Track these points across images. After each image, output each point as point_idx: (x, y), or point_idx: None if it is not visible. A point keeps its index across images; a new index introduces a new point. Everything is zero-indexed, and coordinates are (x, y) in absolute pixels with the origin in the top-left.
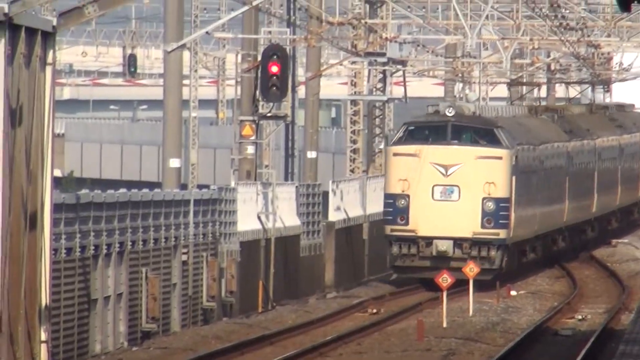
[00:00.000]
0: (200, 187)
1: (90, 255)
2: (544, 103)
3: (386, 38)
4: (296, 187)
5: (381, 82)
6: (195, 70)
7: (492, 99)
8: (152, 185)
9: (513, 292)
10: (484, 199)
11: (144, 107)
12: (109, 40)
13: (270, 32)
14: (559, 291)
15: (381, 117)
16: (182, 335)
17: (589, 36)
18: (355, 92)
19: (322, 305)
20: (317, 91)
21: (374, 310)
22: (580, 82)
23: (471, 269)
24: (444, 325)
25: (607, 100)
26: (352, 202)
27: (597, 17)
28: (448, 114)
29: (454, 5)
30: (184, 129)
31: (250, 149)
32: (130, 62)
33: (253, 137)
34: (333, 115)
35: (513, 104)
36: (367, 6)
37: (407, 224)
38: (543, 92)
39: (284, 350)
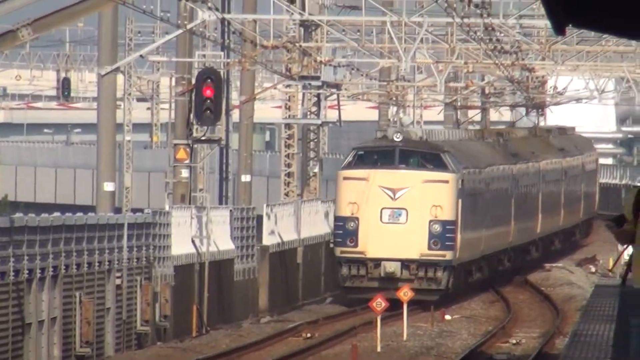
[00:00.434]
0: (134, 210)
1: (24, 279)
2: (477, 127)
3: (320, 61)
4: (230, 210)
5: (315, 105)
6: (129, 94)
7: (426, 122)
8: (86, 208)
9: (447, 317)
10: (430, 221)
11: (78, 130)
12: (43, 63)
13: (204, 56)
14: (493, 315)
15: (316, 140)
16: None
17: (523, 59)
18: (289, 116)
19: (256, 330)
20: (251, 114)
21: (308, 335)
22: (515, 106)
23: (405, 293)
24: (378, 349)
25: (542, 123)
26: (286, 226)
27: (531, 41)
28: (396, 139)
29: (389, 29)
30: (118, 153)
31: (185, 173)
32: (65, 86)
33: (187, 161)
34: (267, 138)
35: (459, 128)
36: (302, 30)
37: (356, 245)
38: (478, 116)
39: None
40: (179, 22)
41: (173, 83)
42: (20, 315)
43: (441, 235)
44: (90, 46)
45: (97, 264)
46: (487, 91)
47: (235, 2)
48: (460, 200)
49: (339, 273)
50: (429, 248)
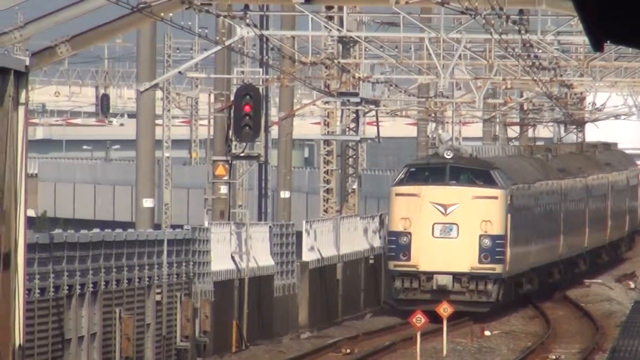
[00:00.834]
0: (173, 227)
1: (64, 295)
2: (516, 143)
3: (359, 78)
4: (270, 227)
5: (354, 121)
6: (168, 110)
7: (465, 138)
8: (125, 225)
9: (487, 332)
10: (480, 236)
11: (117, 147)
12: (81, 80)
13: (243, 72)
14: (532, 331)
15: (354, 157)
16: None
17: (561, 76)
18: (328, 132)
19: (295, 346)
20: (290, 131)
21: (348, 351)
22: (556, 122)
23: (445, 309)
24: None
25: (579, 140)
26: (325, 242)
27: (569, 57)
28: (447, 156)
29: (427, 45)
30: (157, 169)
31: (224, 189)
32: (103, 102)
33: (226, 177)
34: (306, 155)
35: (509, 144)
36: (340, 46)
37: (409, 259)
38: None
39: None
40: (218, 38)
41: (212, 99)
42: (60, 331)
43: (491, 249)
44: (128, 62)
45: (137, 280)
46: (525, 107)
47: (274, 18)
48: (509, 215)
49: (392, 286)
50: (480, 262)
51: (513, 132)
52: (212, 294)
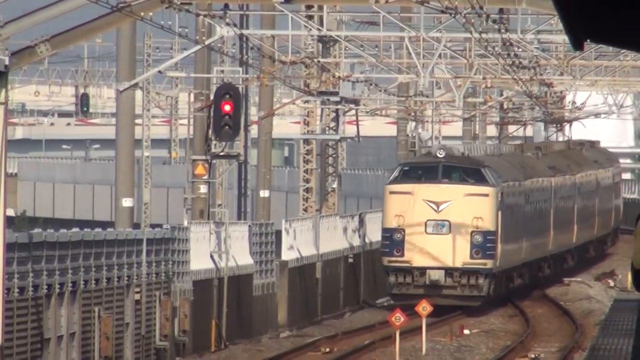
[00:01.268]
0: (153, 226)
1: (43, 294)
2: (495, 142)
3: (339, 77)
4: (249, 226)
5: (334, 121)
6: (148, 110)
7: (444, 137)
8: (104, 224)
9: (466, 331)
10: (472, 232)
11: (97, 146)
12: (61, 79)
13: (222, 71)
14: (512, 330)
15: (334, 156)
16: None
17: (541, 75)
18: (308, 131)
19: (275, 345)
20: (270, 130)
21: (327, 350)
22: (534, 121)
23: (424, 308)
24: None
25: (560, 138)
26: (305, 241)
27: (549, 56)
28: (439, 155)
29: (407, 44)
30: (137, 169)
31: (203, 188)
32: (83, 102)
33: (206, 177)
34: (286, 154)
35: (500, 143)
36: (320, 45)
37: (402, 255)
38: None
39: None
40: (197, 38)
41: (191, 99)
42: (39, 330)
43: (482, 245)
44: (108, 62)
45: (116, 279)
46: (505, 106)
47: (253, 18)
48: (500, 212)
49: (387, 281)
50: (471, 257)
51: (493, 131)
52: (192, 293)
